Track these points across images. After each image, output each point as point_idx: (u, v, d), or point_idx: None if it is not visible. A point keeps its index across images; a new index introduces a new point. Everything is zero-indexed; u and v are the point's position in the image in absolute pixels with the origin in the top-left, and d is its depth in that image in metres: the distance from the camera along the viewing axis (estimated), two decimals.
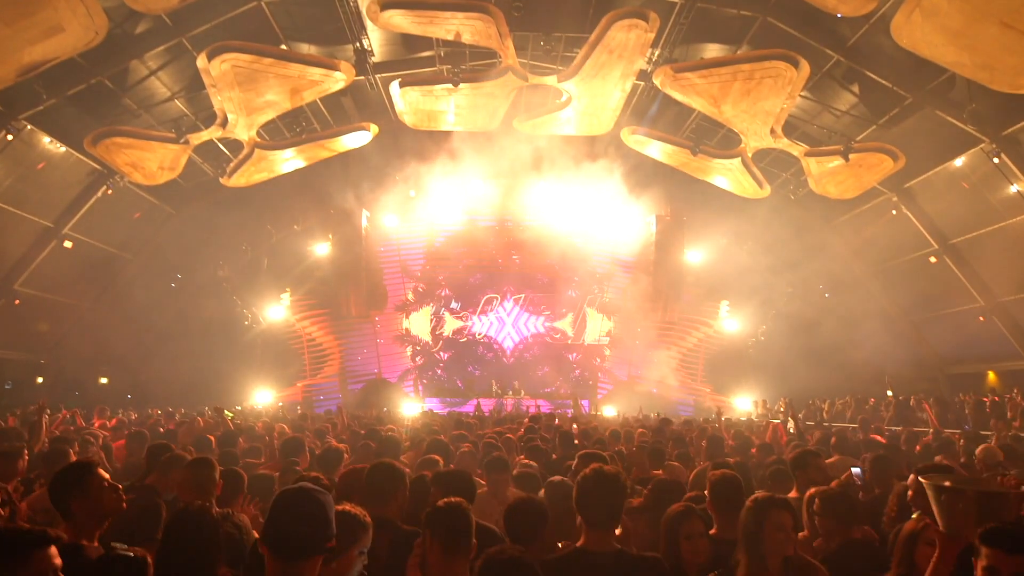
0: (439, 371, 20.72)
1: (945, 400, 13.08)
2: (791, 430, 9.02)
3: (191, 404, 14.83)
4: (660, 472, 4.79)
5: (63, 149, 14.18)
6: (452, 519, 2.48)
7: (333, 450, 5.10)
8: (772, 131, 14.72)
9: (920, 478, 2.54)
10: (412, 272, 21.03)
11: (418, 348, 20.75)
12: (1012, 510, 2.35)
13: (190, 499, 3.07)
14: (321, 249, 19.95)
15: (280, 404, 16.68)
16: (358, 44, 13.57)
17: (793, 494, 3.98)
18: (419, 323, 20.95)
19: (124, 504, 2.79)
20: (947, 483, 2.34)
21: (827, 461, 5.05)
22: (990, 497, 2.30)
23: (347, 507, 2.27)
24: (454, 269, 20.91)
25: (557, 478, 3.78)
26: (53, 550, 1.84)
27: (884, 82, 13.45)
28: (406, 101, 14.86)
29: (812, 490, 3.51)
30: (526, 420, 10.55)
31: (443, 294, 20.91)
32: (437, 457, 4.70)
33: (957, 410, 12.31)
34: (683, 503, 3.30)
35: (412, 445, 6.43)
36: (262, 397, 17.88)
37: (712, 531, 3.16)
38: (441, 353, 20.74)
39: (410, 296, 20.89)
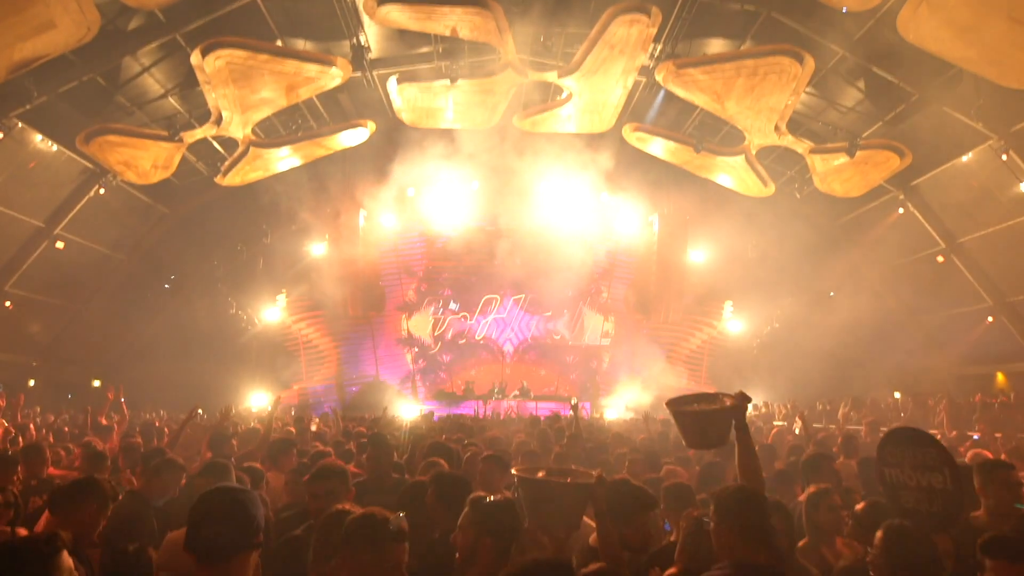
0: (442, 374, 20.43)
1: (958, 402, 12.83)
2: (797, 432, 8.81)
3: (185, 407, 14.55)
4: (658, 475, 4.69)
5: (55, 147, 13.99)
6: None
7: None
8: (776, 128, 14.49)
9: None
10: (411, 272, 20.77)
11: (417, 350, 20.49)
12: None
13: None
14: (318, 249, 19.69)
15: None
16: (355, 40, 13.35)
17: (801, 498, 3.89)
18: (419, 325, 20.69)
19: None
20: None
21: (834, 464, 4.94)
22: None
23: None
24: (453, 269, 20.65)
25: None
26: (66, 553, 1.96)
27: (890, 78, 13.24)
28: (404, 98, 14.64)
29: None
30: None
31: (445, 294, 20.65)
32: (440, 460, 4.45)
33: (967, 412, 12.04)
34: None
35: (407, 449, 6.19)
36: (257, 400, 17.61)
37: (672, 537, 3.32)
38: (443, 356, 20.47)
39: (411, 294, 20.61)
